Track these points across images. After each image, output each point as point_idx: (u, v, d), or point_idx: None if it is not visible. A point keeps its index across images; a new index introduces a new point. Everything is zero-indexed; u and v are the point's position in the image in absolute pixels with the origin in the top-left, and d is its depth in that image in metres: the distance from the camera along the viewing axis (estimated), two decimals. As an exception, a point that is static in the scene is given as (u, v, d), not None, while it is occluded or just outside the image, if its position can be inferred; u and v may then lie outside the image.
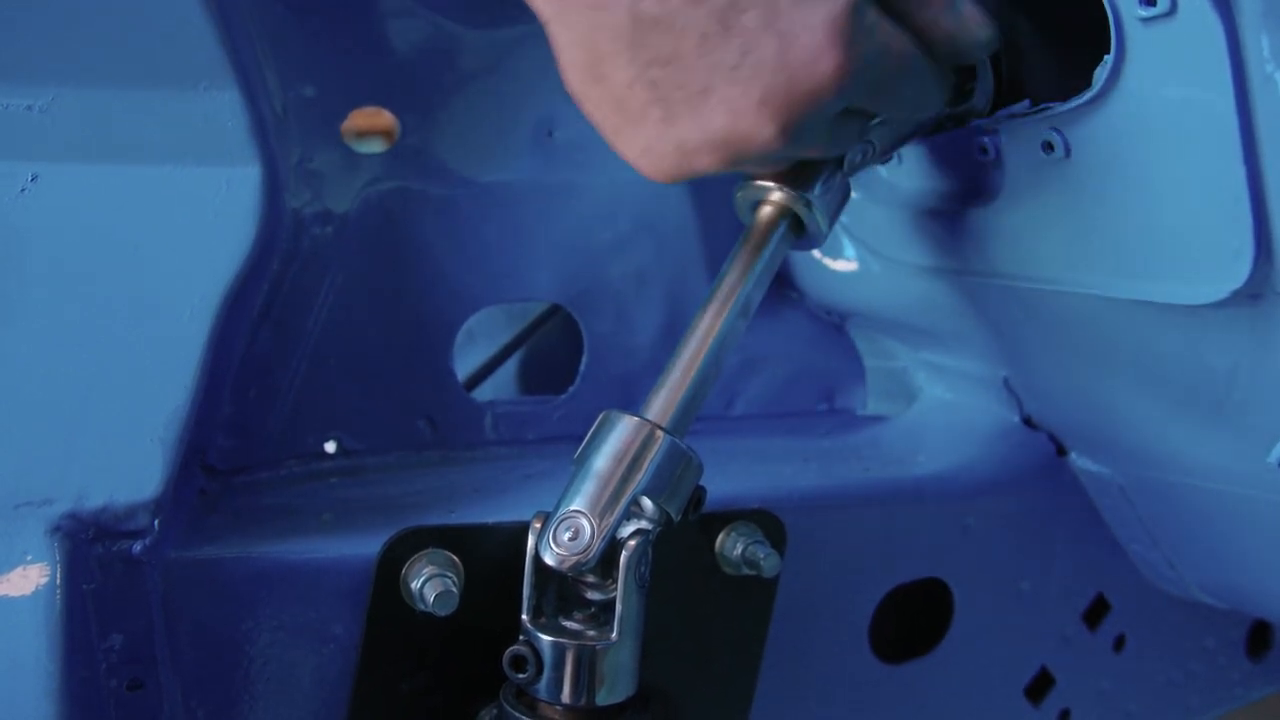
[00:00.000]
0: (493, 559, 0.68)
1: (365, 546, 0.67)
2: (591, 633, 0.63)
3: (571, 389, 0.86)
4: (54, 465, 0.62)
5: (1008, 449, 0.87)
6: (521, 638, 0.63)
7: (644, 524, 0.63)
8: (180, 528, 0.66)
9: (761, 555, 0.72)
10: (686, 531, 0.71)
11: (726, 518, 0.73)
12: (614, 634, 0.62)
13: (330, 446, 0.79)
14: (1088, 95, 0.63)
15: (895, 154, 0.76)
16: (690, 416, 0.64)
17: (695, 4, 0.57)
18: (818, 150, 0.63)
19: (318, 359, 0.78)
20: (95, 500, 0.62)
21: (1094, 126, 0.64)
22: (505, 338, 1.00)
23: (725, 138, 0.59)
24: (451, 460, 0.81)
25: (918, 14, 0.62)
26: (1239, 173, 0.58)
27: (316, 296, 0.78)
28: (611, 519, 0.61)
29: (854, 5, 0.57)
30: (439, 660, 0.69)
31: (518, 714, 0.63)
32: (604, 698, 0.63)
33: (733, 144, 0.59)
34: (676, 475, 0.62)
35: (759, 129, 0.58)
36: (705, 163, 0.60)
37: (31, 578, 0.60)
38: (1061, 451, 0.88)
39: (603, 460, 0.62)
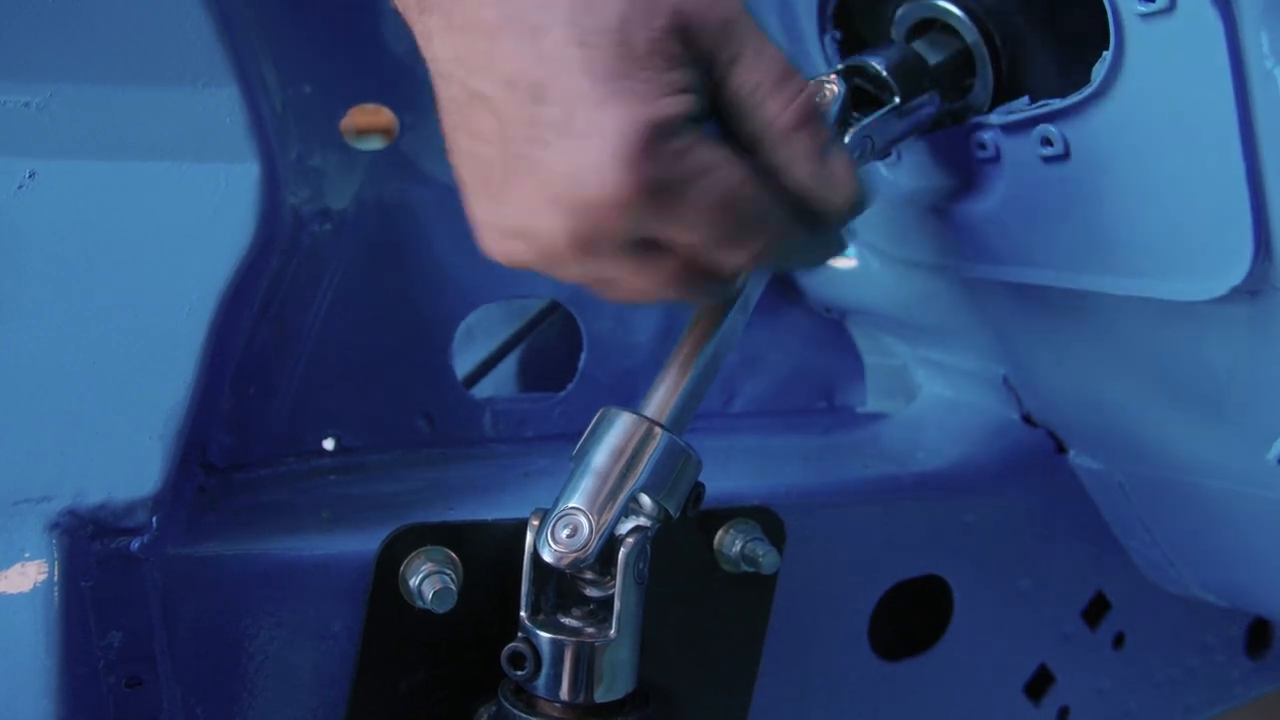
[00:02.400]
0: (491, 556, 0.68)
1: (364, 544, 0.67)
2: (590, 630, 0.63)
3: (570, 386, 0.86)
4: (52, 462, 0.62)
5: (1007, 446, 0.87)
6: (520, 635, 0.63)
7: (642, 521, 0.63)
8: (179, 525, 0.66)
9: (760, 552, 0.72)
10: (685, 528, 0.71)
11: (725, 515, 0.73)
12: (612, 631, 0.62)
13: (329, 444, 0.79)
14: (1087, 92, 0.63)
15: (894, 150, 0.76)
16: (689, 413, 0.64)
17: (511, 87, 0.53)
18: (622, 276, 0.57)
19: (317, 356, 0.78)
20: (94, 497, 0.62)
21: (1093, 123, 0.63)
22: (504, 335, 1.00)
23: (521, 231, 0.55)
24: (450, 457, 0.81)
25: (770, 153, 0.56)
26: (1238, 169, 0.58)
27: (315, 294, 0.78)
28: (610, 516, 0.61)
29: (662, 120, 0.52)
30: (438, 657, 0.69)
31: (516, 711, 0.63)
32: (603, 695, 0.63)
33: (530, 240, 0.55)
34: (675, 472, 0.62)
35: (549, 231, 0.54)
36: (519, 254, 0.57)
37: (30, 575, 0.60)
38: (1061, 449, 0.88)
39: (601, 457, 0.62)
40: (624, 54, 0.52)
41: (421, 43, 0.57)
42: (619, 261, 0.55)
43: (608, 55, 0.52)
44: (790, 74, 0.57)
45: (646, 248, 0.55)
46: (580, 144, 0.52)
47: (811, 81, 0.67)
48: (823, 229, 0.60)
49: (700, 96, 0.54)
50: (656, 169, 0.52)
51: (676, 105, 0.52)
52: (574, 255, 0.54)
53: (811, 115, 0.57)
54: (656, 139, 0.51)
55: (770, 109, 0.56)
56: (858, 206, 0.59)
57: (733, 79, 0.56)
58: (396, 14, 0.58)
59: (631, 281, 0.57)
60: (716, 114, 0.57)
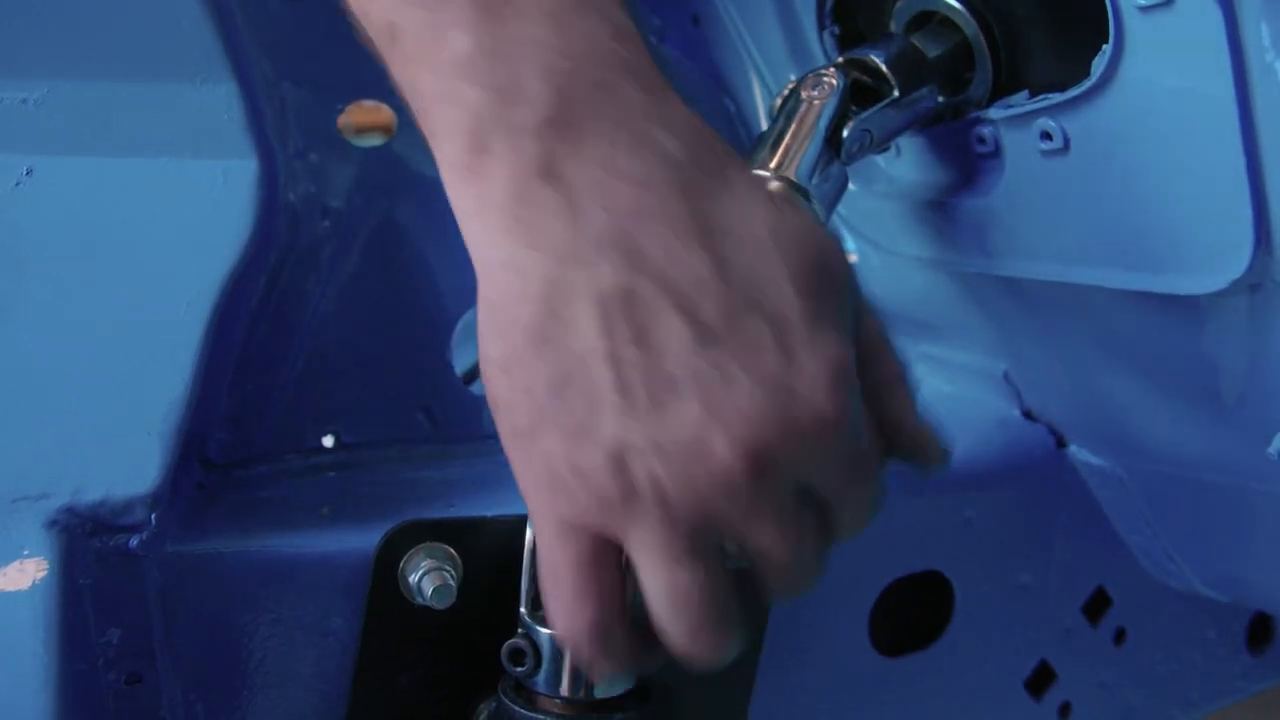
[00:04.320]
0: (491, 552, 0.68)
1: (363, 540, 0.67)
2: (590, 625, 0.63)
3: (570, 382, 0.86)
4: (50, 459, 0.62)
5: (1008, 441, 0.87)
6: (520, 630, 0.63)
7: (642, 516, 0.63)
8: (178, 522, 0.66)
9: (760, 548, 0.71)
10: (685, 524, 0.71)
11: (725, 510, 0.73)
12: (612, 627, 0.62)
13: (328, 440, 0.79)
14: (1086, 85, 0.62)
15: (893, 144, 0.76)
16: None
17: (701, 288, 0.48)
18: (773, 517, 0.51)
19: (315, 352, 0.78)
20: (92, 494, 0.62)
21: (1092, 117, 0.63)
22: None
23: (680, 450, 0.48)
24: (450, 453, 0.81)
25: (888, 402, 0.55)
26: (1238, 162, 0.58)
27: (314, 290, 0.78)
28: (609, 511, 0.61)
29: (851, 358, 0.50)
30: (437, 653, 0.69)
31: (516, 707, 0.63)
32: (602, 690, 0.63)
33: (682, 462, 0.48)
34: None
35: (723, 452, 0.48)
36: (637, 478, 0.49)
37: (28, 572, 0.60)
38: (1062, 444, 0.88)
39: (600, 452, 0.61)
40: (830, 280, 0.51)
41: (522, 214, 0.48)
42: (783, 500, 0.51)
43: (819, 278, 0.50)
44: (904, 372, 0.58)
45: (803, 495, 0.51)
46: (798, 362, 0.48)
47: (809, 74, 0.67)
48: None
49: None
50: (851, 400, 0.50)
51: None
52: (741, 479, 0.49)
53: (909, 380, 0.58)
54: (852, 372, 0.50)
55: (899, 405, 0.56)
56: (947, 455, 0.59)
57: (870, 373, 0.54)
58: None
59: (774, 532, 0.52)
60: None
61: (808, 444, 0.49)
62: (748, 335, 0.48)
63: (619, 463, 0.48)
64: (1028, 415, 0.88)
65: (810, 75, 0.67)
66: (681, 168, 0.49)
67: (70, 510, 0.61)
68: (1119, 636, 0.93)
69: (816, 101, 0.66)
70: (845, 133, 0.67)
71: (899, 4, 0.72)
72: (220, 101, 0.66)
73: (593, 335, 0.48)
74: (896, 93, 0.68)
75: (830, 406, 0.49)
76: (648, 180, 0.48)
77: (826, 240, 0.53)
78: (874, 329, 0.56)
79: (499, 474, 0.78)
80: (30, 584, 0.60)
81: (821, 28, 0.77)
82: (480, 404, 0.84)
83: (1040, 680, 0.91)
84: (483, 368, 0.52)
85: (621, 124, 0.48)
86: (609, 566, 0.52)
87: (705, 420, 0.48)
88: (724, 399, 0.48)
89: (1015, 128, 0.68)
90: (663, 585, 0.51)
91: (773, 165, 0.67)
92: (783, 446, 0.48)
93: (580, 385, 0.48)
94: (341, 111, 0.78)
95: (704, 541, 0.51)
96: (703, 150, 0.50)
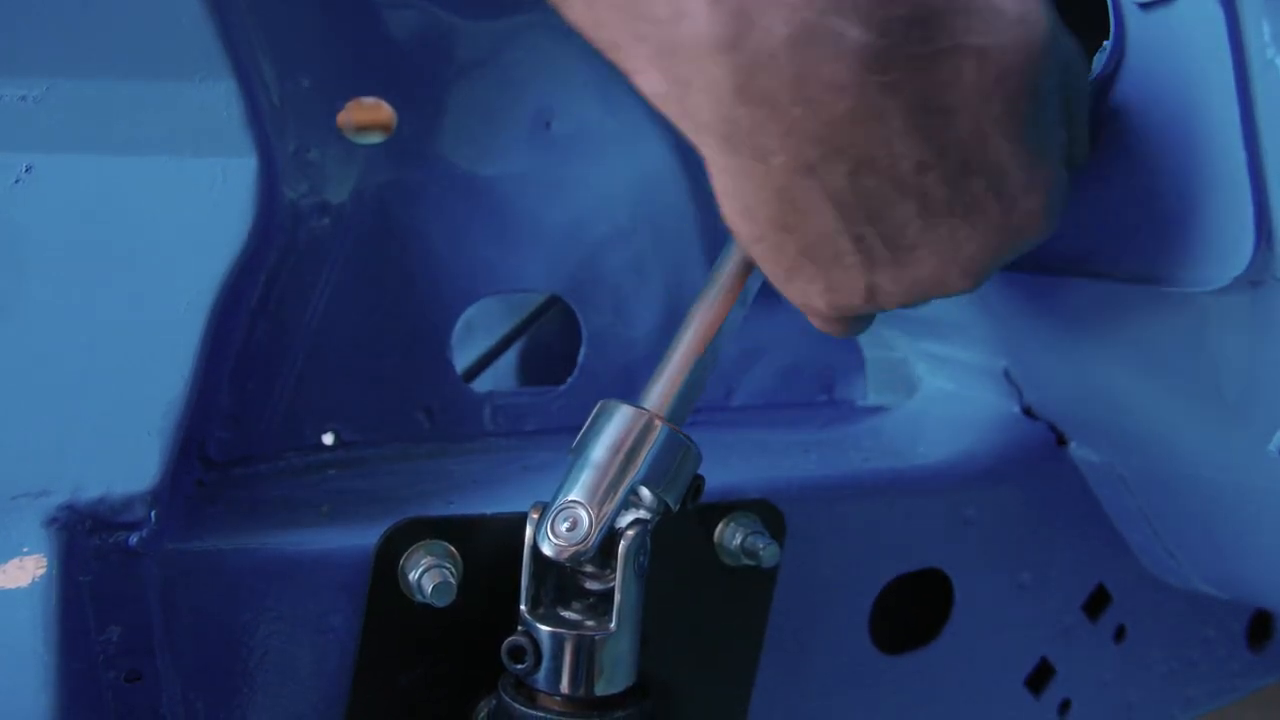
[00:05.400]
0: (491, 550, 0.68)
1: (363, 538, 0.67)
2: (590, 623, 0.63)
3: (570, 380, 0.86)
4: (50, 457, 0.61)
5: (1008, 439, 0.87)
6: (520, 628, 0.63)
7: (642, 514, 0.63)
8: (178, 519, 0.66)
9: (761, 546, 0.71)
10: (685, 522, 0.71)
11: (725, 508, 0.73)
12: (613, 624, 0.62)
13: (328, 438, 0.79)
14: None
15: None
16: (688, 406, 0.64)
17: (922, 170, 0.53)
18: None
19: (315, 350, 0.78)
20: (92, 492, 0.62)
21: (1093, 113, 0.63)
22: (503, 329, 1.00)
23: (924, 288, 0.59)
24: (450, 451, 0.81)
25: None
26: (1239, 158, 0.57)
27: (314, 288, 0.78)
28: (609, 509, 0.61)
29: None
30: (437, 651, 0.69)
31: (516, 704, 0.63)
32: (603, 688, 0.63)
33: (927, 292, 0.59)
34: (675, 464, 0.62)
35: (960, 282, 0.58)
36: (890, 303, 0.60)
37: (28, 569, 0.60)
38: (1062, 441, 0.88)
39: (600, 450, 0.61)
40: (1036, 113, 0.54)
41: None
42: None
43: (1026, 116, 0.54)
44: None
45: None
46: (1012, 204, 0.56)
47: None
48: None
49: None
50: (1059, 207, 0.58)
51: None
52: (968, 289, 0.60)
53: None
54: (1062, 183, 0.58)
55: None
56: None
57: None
58: (394, 6, 0.55)
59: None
60: None
61: (1025, 247, 0.58)
62: (972, 197, 0.55)
63: (871, 296, 0.59)
64: (1028, 413, 0.88)
65: None
66: (873, 54, 0.50)
67: (70, 507, 0.61)
68: (1119, 634, 0.93)
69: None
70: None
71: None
72: (220, 99, 0.66)
73: (830, 221, 0.55)
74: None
75: (1047, 225, 0.57)
76: (844, 84, 0.50)
77: (1034, 52, 0.53)
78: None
79: (499, 471, 0.79)
80: (30, 581, 0.60)
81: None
82: (480, 402, 0.84)
83: (1040, 677, 0.91)
84: (735, 231, 0.58)
85: (799, 25, 0.49)
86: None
87: (943, 267, 0.57)
88: (958, 252, 0.57)
89: (1016, 125, 0.68)
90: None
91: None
92: (1006, 257, 0.59)
93: (826, 252, 0.57)
94: (341, 109, 0.78)
95: None
96: (889, 18, 0.50)
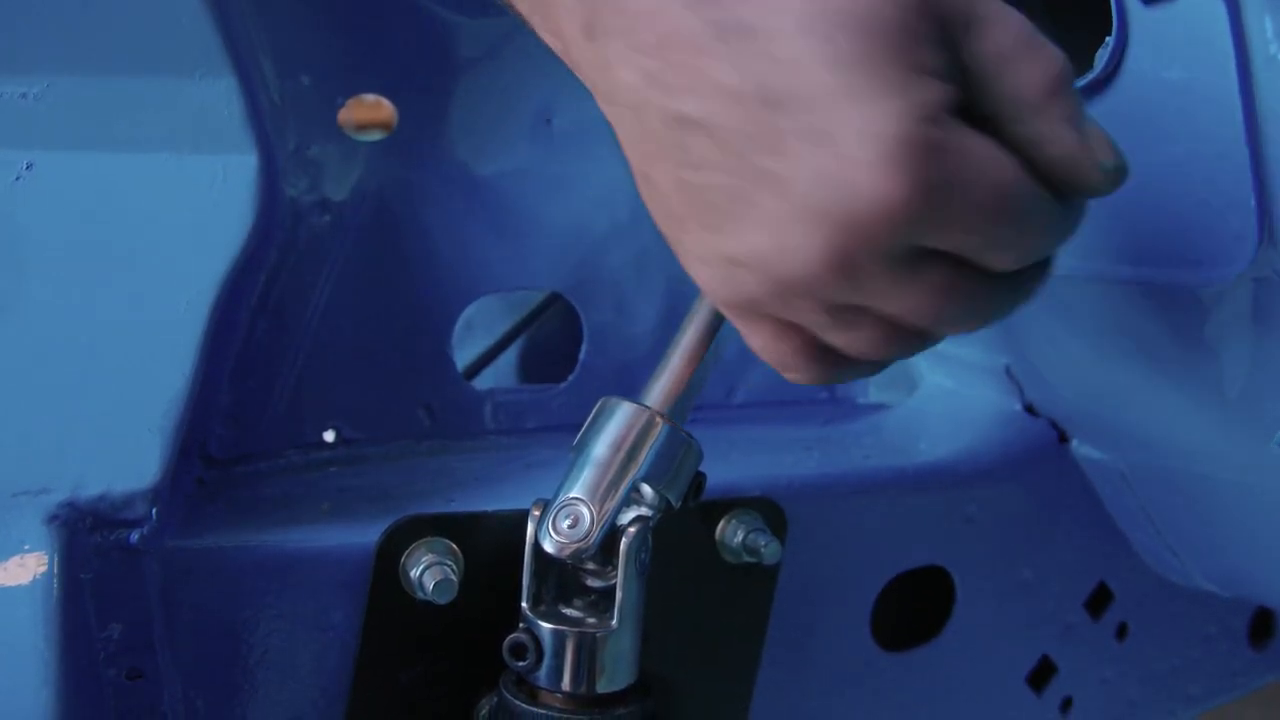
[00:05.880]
0: (492, 547, 0.68)
1: (364, 535, 0.67)
2: (591, 620, 0.63)
3: (571, 377, 0.86)
4: (51, 454, 0.61)
5: (1009, 437, 0.87)
6: (521, 625, 0.63)
7: (644, 511, 0.63)
8: (178, 517, 0.66)
9: (762, 543, 0.71)
10: (687, 519, 0.71)
11: (727, 505, 0.73)
12: (614, 621, 0.62)
13: (329, 435, 0.79)
14: (1089, 78, 0.62)
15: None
16: (690, 403, 0.64)
17: (737, 101, 0.45)
18: (884, 299, 0.48)
19: (316, 348, 0.78)
20: (92, 489, 0.62)
21: (1095, 109, 0.63)
22: (504, 326, 1.00)
23: (765, 257, 0.47)
24: (450, 449, 0.81)
25: (1023, 126, 0.47)
26: (1242, 155, 0.57)
27: (315, 285, 0.78)
28: (611, 506, 0.61)
29: (929, 111, 0.44)
30: (438, 649, 0.69)
31: (517, 702, 0.63)
32: (604, 685, 0.63)
33: (775, 267, 0.47)
34: (676, 461, 0.62)
35: (801, 252, 0.46)
36: (754, 286, 0.49)
37: (29, 567, 0.60)
38: (1063, 439, 0.88)
39: (602, 447, 0.61)
40: (874, 41, 0.44)
41: (591, 74, 0.51)
42: (885, 278, 0.47)
43: (855, 44, 0.44)
44: (1037, 38, 0.48)
45: (915, 258, 0.47)
46: (839, 149, 0.44)
47: None
48: (1075, 210, 0.51)
49: (956, 77, 0.47)
50: (928, 166, 0.44)
51: (940, 91, 0.45)
52: (832, 278, 0.47)
53: (1067, 79, 0.48)
54: (925, 132, 0.44)
55: (1022, 75, 0.47)
56: (1122, 172, 0.50)
57: (976, 47, 0.47)
58: (394, 3, 0.54)
59: (899, 300, 0.48)
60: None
61: (884, 228, 0.45)
62: (777, 136, 0.45)
63: (723, 273, 0.50)
64: (1029, 410, 0.88)
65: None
66: None
67: (71, 505, 0.61)
68: (1120, 631, 0.93)
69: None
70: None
71: None
72: (220, 96, 0.66)
73: (656, 165, 0.50)
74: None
75: (891, 186, 0.44)
76: (659, 9, 0.47)
77: None
78: (993, 43, 0.47)
79: (500, 469, 0.79)
80: (30, 579, 0.60)
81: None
82: (480, 399, 0.84)
83: (1042, 675, 0.91)
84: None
85: None
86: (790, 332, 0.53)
87: (763, 234, 0.47)
88: (778, 207, 0.46)
89: (1017, 121, 0.68)
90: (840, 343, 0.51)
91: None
92: (855, 241, 0.45)
93: (665, 210, 0.52)
94: (342, 107, 0.78)
95: (842, 315, 0.50)
96: None
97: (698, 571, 0.73)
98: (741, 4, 0.46)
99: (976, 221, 0.46)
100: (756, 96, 0.45)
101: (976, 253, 0.48)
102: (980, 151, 0.46)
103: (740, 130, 0.46)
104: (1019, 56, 0.47)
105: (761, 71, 0.45)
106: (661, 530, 0.64)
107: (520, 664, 0.62)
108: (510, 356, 1.03)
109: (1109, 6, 0.60)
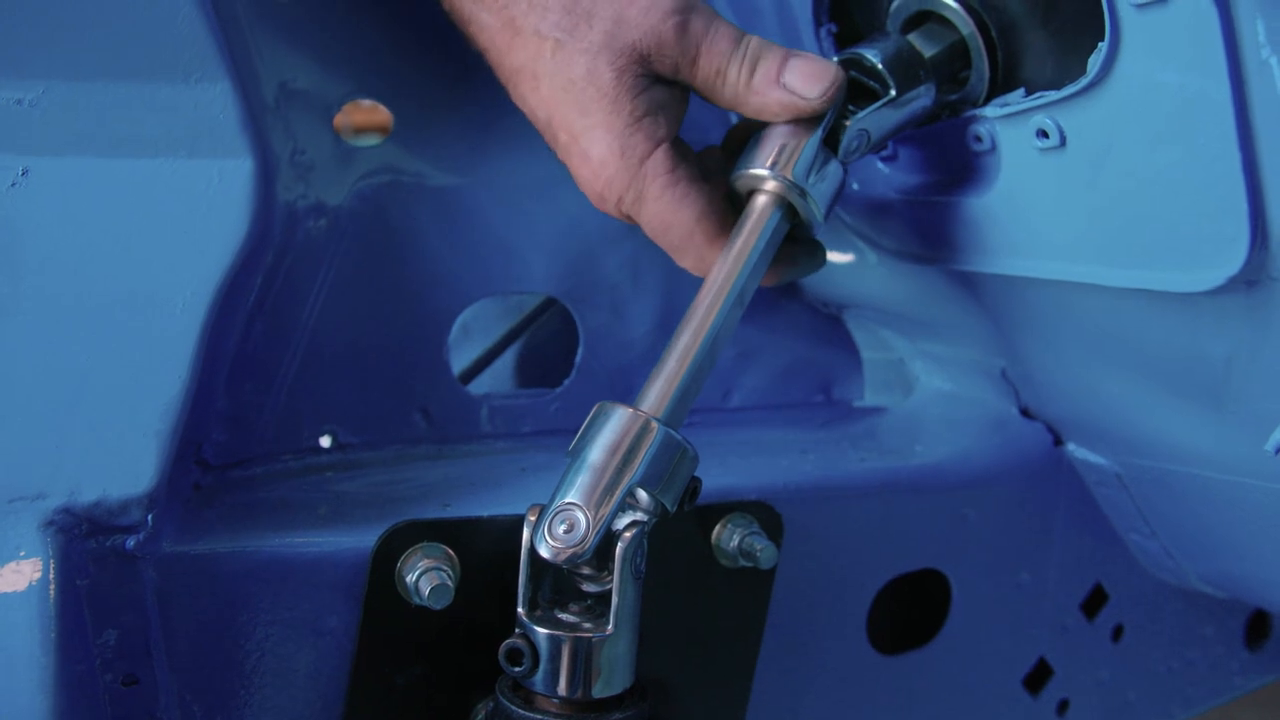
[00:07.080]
0: (488, 552, 0.68)
1: (361, 540, 0.67)
2: (588, 625, 0.63)
3: (567, 382, 0.86)
4: (47, 460, 0.61)
5: (1005, 440, 0.87)
6: (517, 630, 0.63)
7: (639, 515, 0.63)
8: (175, 522, 0.66)
9: (758, 547, 0.71)
10: (682, 523, 0.71)
11: (723, 509, 0.73)
12: (610, 626, 0.62)
13: (325, 440, 0.79)
14: (1083, 83, 0.62)
15: (890, 144, 0.76)
16: (685, 407, 0.64)
17: (535, 118, 0.71)
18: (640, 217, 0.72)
19: (312, 353, 0.78)
20: (89, 495, 0.62)
21: (1089, 114, 0.63)
22: (500, 331, 1.00)
23: (589, 191, 0.71)
24: (447, 453, 0.81)
25: (751, 112, 0.69)
26: (1234, 158, 0.58)
27: (310, 290, 0.78)
28: (607, 511, 0.61)
29: (632, 142, 0.68)
30: (435, 653, 0.69)
31: (514, 707, 0.63)
32: (600, 690, 0.63)
33: (592, 197, 0.71)
34: (672, 466, 0.62)
35: (605, 205, 0.71)
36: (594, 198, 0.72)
37: (25, 573, 0.60)
38: (1059, 442, 0.88)
39: (597, 452, 0.61)
40: (595, 94, 0.67)
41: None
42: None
43: (584, 96, 0.67)
44: (735, 42, 0.68)
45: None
46: (578, 163, 0.70)
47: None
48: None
49: (674, 107, 0.70)
50: (632, 181, 0.69)
51: (645, 127, 0.68)
52: (599, 205, 0.72)
53: (759, 59, 0.68)
54: (626, 157, 0.68)
55: (730, 83, 0.68)
56: (839, 83, 0.67)
57: (696, 76, 0.69)
58: (391, 6, 0.56)
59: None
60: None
61: (609, 209, 0.71)
62: (556, 146, 0.71)
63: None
64: (1025, 413, 0.88)
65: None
66: None
67: (67, 511, 0.61)
68: (1117, 633, 0.93)
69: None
70: (843, 132, 0.67)
71: (896, 3, 0.72)
72: (216, 101, 0.66)
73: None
74: (893, 92, 0.68)
75: (599, 194, 0.70)
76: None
77: None
78: (706, 67, 0.68)
79: (496, 473, 0.79)
80: (27, 585, 0.59)
81: (818, 25, 0.77)
82: (477, 403, 0.84)
83: (1038, 677, 0.92)
84: None
85: None
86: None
87: (583, 183, 0.71)
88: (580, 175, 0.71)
89: (1012, 125, 0.68)
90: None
91: (769, 163, 0.67)
92: (600, 207, 0.71)
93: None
94: (338, 111, 0.78)
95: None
96: None
97: (694, 575, 0.73)
98: (531, 55, 0.69)
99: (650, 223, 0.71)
100: (543, 120, 0.70)
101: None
102: (683, 176, 0.70)
103: (544, 135, 0.72)
104: (725, 70, 0.68)
105: (540, 105, 0.70)
106: (657, 534, 0.64)
107: (516, 669, 0.62)
108: (506, 360, 1.03)
109: (1102, 11, 0.60)
